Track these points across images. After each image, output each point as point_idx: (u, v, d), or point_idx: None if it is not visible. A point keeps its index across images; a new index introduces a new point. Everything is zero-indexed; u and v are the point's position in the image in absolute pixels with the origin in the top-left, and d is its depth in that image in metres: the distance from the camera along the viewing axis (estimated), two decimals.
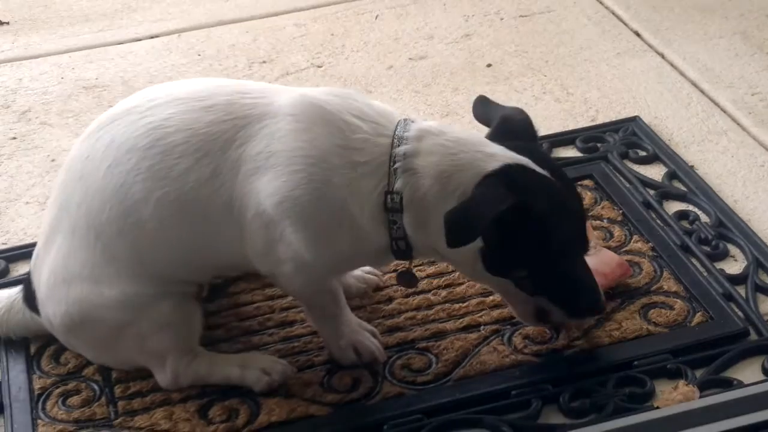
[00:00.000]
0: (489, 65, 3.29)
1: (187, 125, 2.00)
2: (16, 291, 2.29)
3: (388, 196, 1.94)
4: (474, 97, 2.97)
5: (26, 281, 2.25)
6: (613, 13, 3.52)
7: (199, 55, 3.43)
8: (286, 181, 1.93)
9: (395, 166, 1.94)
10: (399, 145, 1.96)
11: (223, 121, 1.99)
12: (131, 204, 2.02)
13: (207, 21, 3.62)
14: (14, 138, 3.06)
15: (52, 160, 2.93)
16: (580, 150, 2.88)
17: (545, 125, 2.97)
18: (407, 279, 2.19)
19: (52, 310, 2.14)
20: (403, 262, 2.11)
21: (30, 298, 2.22)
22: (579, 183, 2.72)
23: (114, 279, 2.06)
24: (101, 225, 2.05)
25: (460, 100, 3.12)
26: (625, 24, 3.46)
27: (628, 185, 2.72)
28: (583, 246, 2.05)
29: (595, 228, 2.53)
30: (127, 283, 2.06)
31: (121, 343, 2.14)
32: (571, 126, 2.98)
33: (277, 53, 3.40)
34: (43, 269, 2.15)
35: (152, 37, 3.54)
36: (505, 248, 1.93)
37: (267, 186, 1.95)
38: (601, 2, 3.58)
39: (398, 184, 1.94)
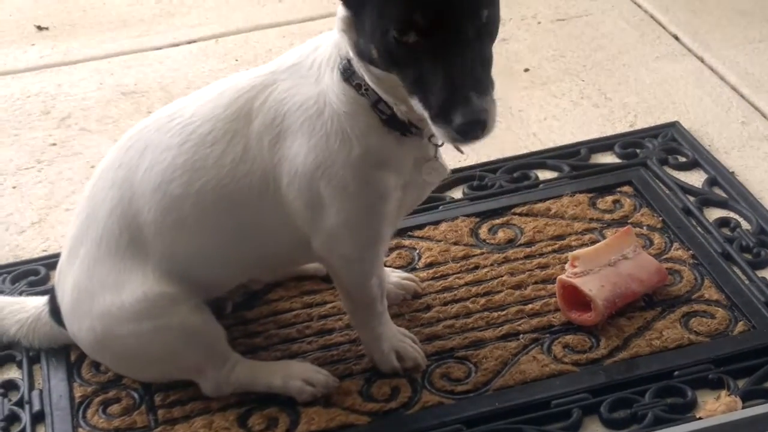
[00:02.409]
0: (526, 70, 3.28)
1: (210, 115, 2.05)
2: (43, 302, 2.30)
3: (342, 69, 1.97)
4: (511, 103, 3.10)
5: (51, 295, 2.26)
6: (652, 17, 3.50)
7: (237, 60, 3.43)
8: (303, 140, 1.99)
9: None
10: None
11: (236, 98, 2.04)
12: (170, 201, 2.05)
13: (244, 26, 3.62)
14: (54, 144, 3.07)
15: (92, 167, 2.94)
16: (619, 156, 2.86)
17: (583, 131, 2.97)
18: None
19: (77, 325, 2.16)
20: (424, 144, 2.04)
21: (56, 312, 2.23)
22: (618, 189, 2.72)
23: (138, 281, 2.07)
24: (138, 228, 2.07)
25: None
26: (664, 28, 3.43)
27: (667, 192, 2.70)
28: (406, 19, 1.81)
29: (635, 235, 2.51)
30: (152, 283, 2.07)
31: (152, 360, 2.14)
32: (610, 132, 2.96)
33: None
34: (66, 283, 2.16)
35: (190, 42, 3.55)
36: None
37: (292, 150, 1.99)
38: (639, 6, 3.56)
39: (342, 57, 1.97)
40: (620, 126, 2.99)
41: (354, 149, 1.98)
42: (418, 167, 2.06)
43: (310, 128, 2.00)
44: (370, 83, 1.94)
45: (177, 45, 3.54)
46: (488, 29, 1.82)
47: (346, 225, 2.03)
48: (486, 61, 1.82)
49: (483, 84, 1.79)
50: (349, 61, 1.96)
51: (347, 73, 1.96)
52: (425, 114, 1.82)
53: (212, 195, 2.04)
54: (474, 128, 1.78)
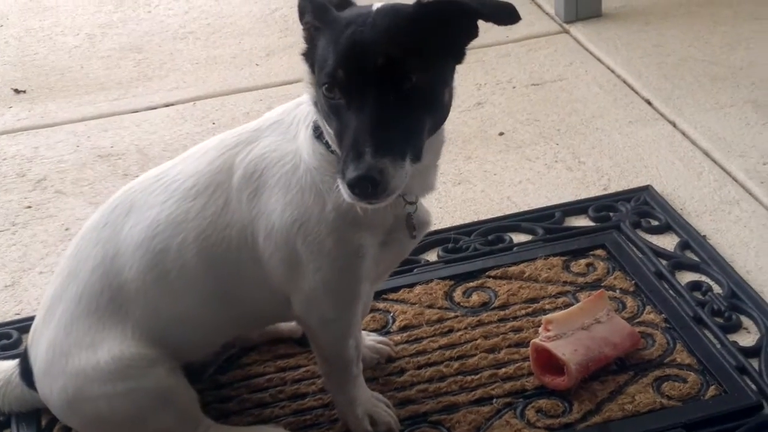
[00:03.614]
0: (501, 133, 3.30)
1: (194, 170, 2.08)
2: (13, 365, 2.28)
3: (314, 126, 1.99)
4: (486, 166, 3.12)
5: (23, 356, 2.24)
6: (625, 82, 3.53)
7: (214, 123, 3.45)
8: (279, 196, 1.99)
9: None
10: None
11: (221, 154, 2.07)
12: (152, 257, 2.05)
13: (221, 89, 3.65)
14: (29, 207, 3.07)
15: (66, 229, 2.95)
16: (593, 219, 2.88)
17: (557, 194, 2.99)
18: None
19: (49, 386, 2.14)
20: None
21: (27, 374, 2.22)
22: (591, 253, 2.73)
23: (117, 339, 2.06)
24: (119, 286, 2.08)
25: (473, 168, 3.13)
26: (637, 93, 3.47)
27: (640, 255, 2.71)
28: (335, 77, 1.82)
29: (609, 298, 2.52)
30: (130, 343, 2.06)
31: (123, 424, 2.11)
32: (584, 195, 2.98)
33: None
34: (41, 343, 2.15)
35: (167, 106, 3.58)
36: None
37: (269, 205, 2.00)
38: (612, 71, 3.59)
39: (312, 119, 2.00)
40: (594, 189, 3.01)
41: (327, 205, 1.98)
42: (398, 224, 2.05)
43: (286, 184, 2.01)
44: (327, 137, 1.95)
45: (154, 108, 3.56)
46: (418, 96, 1.78)
47: (323, 284, 2.03)
48: (410, 129, 1.79)
49: (390, 146, 1.75)
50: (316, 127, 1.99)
51: (318, 130, 1.98)
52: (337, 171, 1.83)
53: (194, 247, 2.05)
54: (362, 185, 1.74)
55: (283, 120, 2.06)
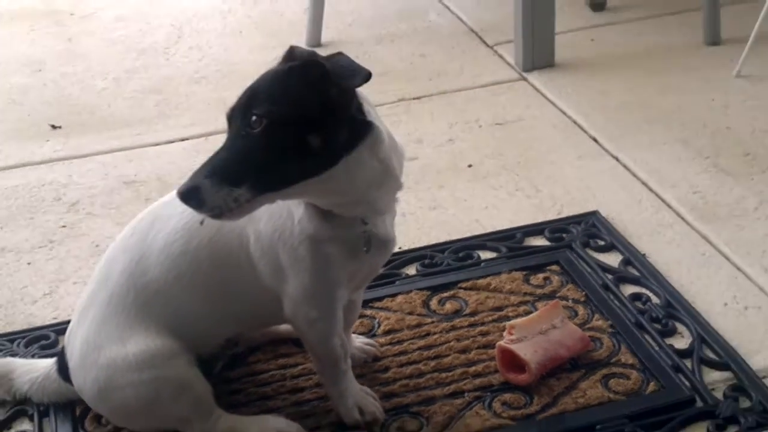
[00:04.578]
0: (470, 166, 3.29)
1: None
2: (51, 362, 2.27)
3: None
4: (457, 193, 3.11)
5: (60, 354, 2.23)
6: (575, 122, 3.53)
7: None
8: (264, 207, 1.91)
9: None
10: None
11: None
12: (172, 261, 2.03)
13: None
14: (64, 226, 3.06)
15: (96, 246, 2.94)
16: (548, 239, 2.88)
17: (518, 217, 2.98)
18: None
19: (83, 378, 2.12)
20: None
21: (63, 369, 2.20)
22: (548, 268, 2.72)
23: (142, 334, 2.04)
24: (143, 286, 2.06)
25: (445, 195, 3.13)
26: (585, 132, 3.47)
27: (589, 270, 2.72)
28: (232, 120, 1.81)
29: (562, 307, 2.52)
30: (154, 336, 2.04)
31: (146, 410, 2.10)
32: (540, 218, 2.97)
33: None
34: (76, 341, 2.13)
35: (183, 140, 3.55)
36: None
37: (257, 212, 1.93)
38: (564, 113, 3.59)
39: None
40: (549, 214, 3.00)
41: (294, 219, 1.96)
42: (360, 241, 2.00)
43: (269, 208, 1.98)
44: None
45: (172, 142, 3.54)
46: (256, 129, 1.73)
47: (302, 288, 2.00)
48: (241, 156, 1.74)
49: (216, 170, 1.73)
50: None
51: None
52: None
53: (206, 251, 2.02)
54: (184, 199, 1.75)
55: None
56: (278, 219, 1.97)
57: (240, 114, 1.76)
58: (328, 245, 1.97)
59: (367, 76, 1.75)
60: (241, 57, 4.16)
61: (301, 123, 1.76)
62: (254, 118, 1.73)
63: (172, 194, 2.07)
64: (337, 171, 1.83)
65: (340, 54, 1.81)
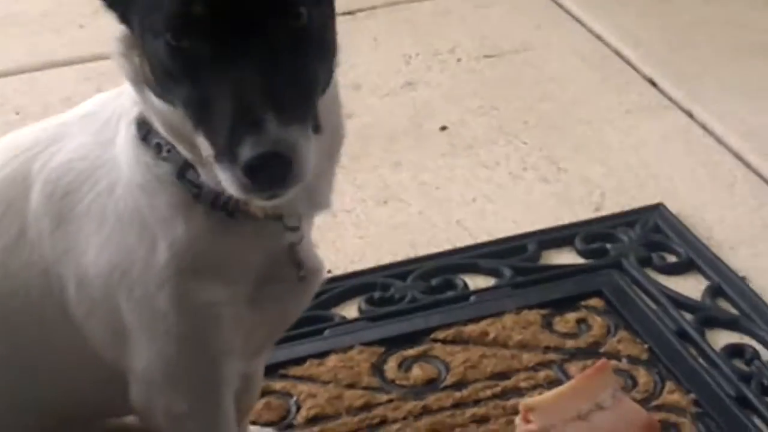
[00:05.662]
0: (443, 128, 3.31)
1: None
2: None
3: (137, 121, 1.91)
4: (423, 176, 3.13)
5: None
6: (617, 53, 3.58)
7: (18, 113, 3.44)
8: (92, 228, 1.94)
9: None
10: None
11: (12, 158, 1.99)
12: None
13: (28, 63, 3.64)
14: None
15: None
16: (582, 254, 2.89)
17: (529, 217, 3.00)
18: None
19: None
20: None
21: None
22: (583, 303, 2.73)
23: None
24: None
25: (404, 179, 3.14)
26: (635, 68, 3.51)
27: (653, 306, 2.72)
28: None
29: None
30: None
31: None
32: (567, 218, 2.99)
33: None
34: None
35: None
36: None
37: (79, 240, 1.94)
38: (598, 37, 3.63)
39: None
40: (581, 210, 3.02)
41: (158, 247, 1.92)
42: (273, 265, 1.99)
43: (100, 210, 1.94)
44: (157, 126, 1.86)
45: None
46: (311, 36, 1.76)
47: (162, 361, 1.99)
48: (307, 82, 1.77)
49: (292, 108, 1.71)
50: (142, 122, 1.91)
51: (143, 127, 1.90)
52: (210, 157, 1.72)
53: None
54: (269, 167, 1.66)
55: (98, 113, 1.98)
56: (119, 247, 1.94)
57: (268, 5, 1.72)
58: (215, 284, 1.94)
59: None
60: None
61: (330, 7, 1.82)
62: (301, 12, 1.72)
63: None
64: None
65: None
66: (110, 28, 3.67)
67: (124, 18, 1.79)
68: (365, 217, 3.02)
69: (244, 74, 1.68)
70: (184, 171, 1.88)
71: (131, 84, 1.84)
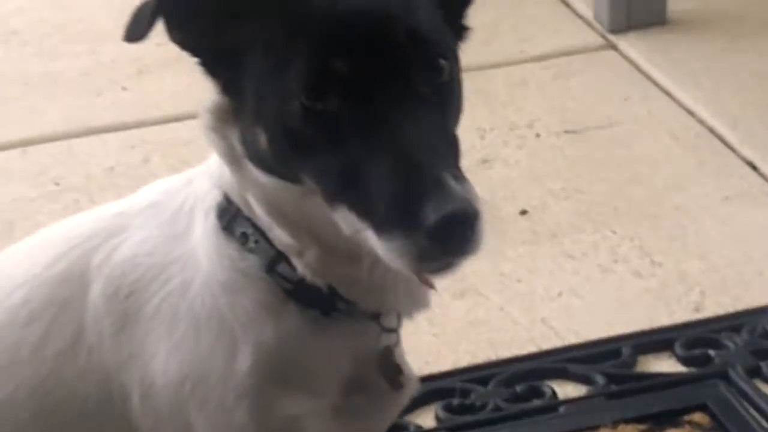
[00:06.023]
0: (524, 212, 3.22)
1: (25, 277, 1.96)
2: None
3: (219, 209, 1.87)
4: (504, 266, 3.05)
5: None
6: (711, 131, 3.48)
7: (57, 184, 3.40)
8: (161, 332, 1.90)
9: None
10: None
11: (66, 252, 1.94)
12: None
13: (67, 128, 3.58)
14: None
15: None
16: (682, 361, 2.78)
17: (622, 316, 2.90)
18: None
19: None
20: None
21: None
22: (686, 418, 2.62)
23: None
24: None
25: (483, 270, 3.04)
26: (732, 149, 3.41)
27: (765, 424, 2.60)
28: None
29: None
30: None
31: None
32: (664, 319, 2.88)
33: None
34: None
35: None
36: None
37: (146, 345, 1.90)
38: (691, 112, 3.55)
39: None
40: (679, 310, 2.92)
41: (240, 353, 1.87)
42: (363, 372, 1.92)
43: (171, 311, 1.89)
44: (256, 209, 1.81)
45: None
46: (452, 91, 1.74)
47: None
48: (452, 142, 1.73)
49: (456, 165, 1.68)
50: (227, 198, 1.85)
51: (226, 215, 1.85)
52: (364, 230, 1.64)
53: (29, 406, 1.93)
54: (461, 227, 1.59)
55: (163, 203, 1.93)
56: (192, 355, 1.88)
57: (413, 58, 1.69)
58: (301, 396, 1.87)
59: None
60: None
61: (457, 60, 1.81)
62: (443, 66, 1.71)
63: None
64: None
65: None
66: (158, 93, 3.62)
67: (229, 85, 1.74)
68: (440, 312, 2.89)
69: (406, 133, 1.64)
70: (274, 264, 1.83)
71: (226, 160, 1.80)
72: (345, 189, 1.66)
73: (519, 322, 2.90)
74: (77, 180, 3.34)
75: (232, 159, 1.78)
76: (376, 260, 1.75)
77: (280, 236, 1.81)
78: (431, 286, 1.87)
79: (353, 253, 1.75)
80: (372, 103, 1.64)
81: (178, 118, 3.57)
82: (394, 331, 1.91)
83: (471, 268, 2.91)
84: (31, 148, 3.48)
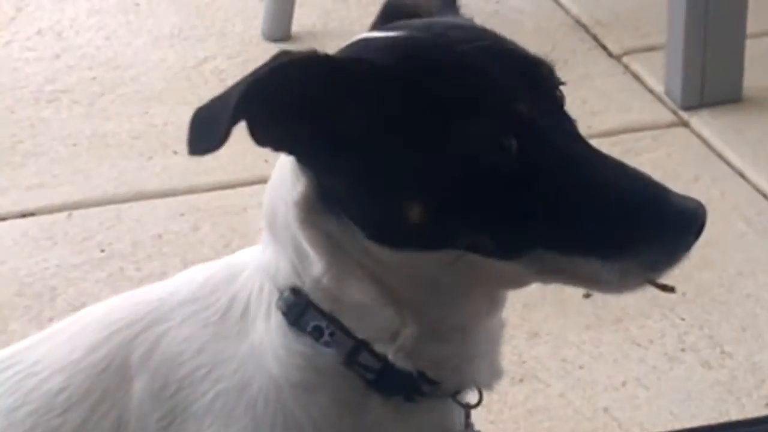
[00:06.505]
0: (587, 295, 3.16)
1: (63, 362, 1.94)
2: None
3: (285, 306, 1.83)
4: (565, 351, 3.03)
5: None
6: None
7: (103, 251, 3.38)
8: (216, 428, 1.86)
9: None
10: None
11: (107, 337, 1.92)
12: None
13: (115, 192, 3.59)
14: None
15: None
16: None
17: (689, 408, 2.87)
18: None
19: None
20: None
21: None
22: None
23: None
24: None
25: (543, 354, 3.03)
26: None
27: None
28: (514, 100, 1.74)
29: None
30: None
31: None
32: (734, 412, 2.85)
33: None
34: None
35: (23, 216, 3.53)
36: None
37: None
38: (766, 197, 3.51)
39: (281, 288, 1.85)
40: (750, 404, 2.89)
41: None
42: None
43: (226, 410, 1.85)
44: (355, 297, 1.76)
45: (2, 219, 3.53)
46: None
47: None
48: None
49: None
50: (294, 291, 1.80)
51: (294, 312, 1.79)
52: (571, 264, 1.69)
53: None
54: (701, 222, 1.71)
55: (209, 300, 1.90)
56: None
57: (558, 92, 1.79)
58: None
59: None
60: (135, 54, 4.17)
61: None
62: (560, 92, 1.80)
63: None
64: None
65: None
66: (211, 157, 3.60)
67: (336, 170, 1.70)
68: (498, 398, 2.85)
69: (602, 156, 1.75)
70: (354, 355, 1.79)
71: (321, 251, 1.75)
72: (541, 230, 1.67)
73: (580, 411, 2.87)
74: (123, 247, 3.33)
75: (329, 249, 1.75)
76: (471, 330, 1.78)
77: (374, 320, 1.77)
78: (671, 290, 1.87)
79: (455, 327, 1.75)
80: (549, 140, 1.68)
81: (229, 185, 3.57)
82: (475, 407, 1.87)
83: (531, 352, 2.97)
84: (76, 213, 3.47)
